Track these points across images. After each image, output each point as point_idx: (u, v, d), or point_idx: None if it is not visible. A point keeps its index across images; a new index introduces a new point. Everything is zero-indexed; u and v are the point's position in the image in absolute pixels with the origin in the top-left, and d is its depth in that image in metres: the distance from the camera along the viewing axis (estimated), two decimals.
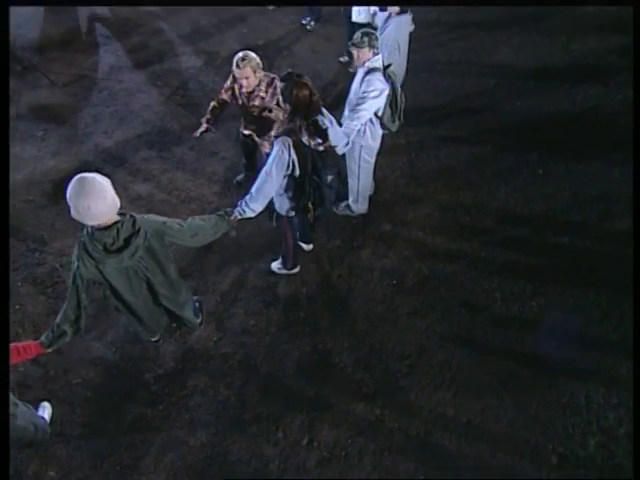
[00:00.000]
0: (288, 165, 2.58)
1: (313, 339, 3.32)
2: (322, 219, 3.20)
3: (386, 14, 4.15)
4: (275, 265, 3.63)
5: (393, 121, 3.35)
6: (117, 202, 2.02)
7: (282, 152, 2.52)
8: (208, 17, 6.35)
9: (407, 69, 4.47)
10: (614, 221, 3.92)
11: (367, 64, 3.12)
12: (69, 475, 2.74)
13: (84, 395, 3.06)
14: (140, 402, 3.02)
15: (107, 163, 4.39)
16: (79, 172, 2.01)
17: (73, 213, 1.94)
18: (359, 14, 4.66)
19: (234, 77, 3.31)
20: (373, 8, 4.49)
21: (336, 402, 3.02)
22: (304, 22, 6.13)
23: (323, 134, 2.61)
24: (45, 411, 2.90)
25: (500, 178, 4.32)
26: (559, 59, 5.54)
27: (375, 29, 3.84)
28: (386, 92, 3.14)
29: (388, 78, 3.14)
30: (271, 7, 6.45)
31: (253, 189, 2.62)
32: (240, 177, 4.24)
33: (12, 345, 2.16)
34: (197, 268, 3.72)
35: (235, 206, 2.64)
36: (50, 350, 2.27)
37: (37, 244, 3.85)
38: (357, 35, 3.08)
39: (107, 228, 2.03)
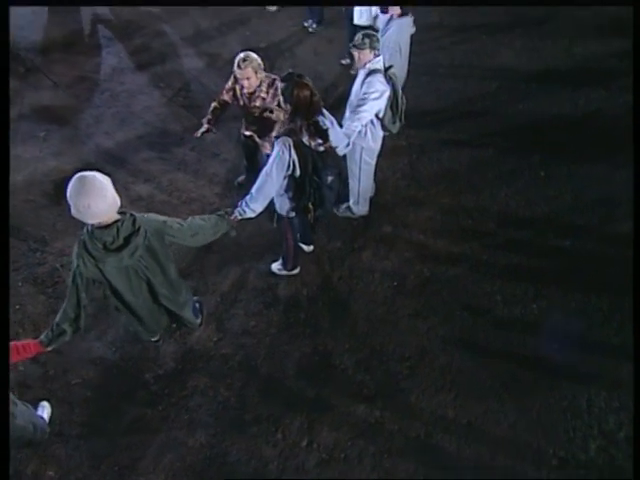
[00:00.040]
0: (288, 165, 2.58)
1: (313, 340, 3.31)
2: (322, 220, 3.20)
3: (388, 16, 4.16)
4: (275, 266, 3.63)
5: (394, 122, 3.36)
6: (117, 201, 2.02)
7: (282, 152, 2.52)
8: (210, 19, 6.37)
9: (408, 71, 4.47)
10: (616, 224, 3.91)
11: (368, 66, 3.12)
12: (68, 475, 2.74)
13: (83, 395, 3.05)
14: (139, 402, 3.02)
15: (108, 164, 4.39)
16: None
17: (73, 211, 1.94)
18: (361, 16, 4.66)
19: (235, 78, 3.32)
20: (375, 10, 4.50)
21: (336, 404, 3.01)
22: (306, 24, 6.14)
23: (324, 135, 2.61)
24: (44, 411, 2.89)
25: (502, 181, 4.31)
26: (561, 62, 5.54)
27: (377, 31, 3.84)
28: (387, 94, 3.14)
29: (389, 80, 3.14)
30: (273, 8, 6.47)
31: (253, 189, 2.62)
32: (241, 178, 4.25)
33: (12, 344, 2.16)
34: (197, 268, 3.71)
35: (235, 206, 2.64)
36: (49, 349, 2.27)
37: (38, 244, 3.85)
38: (358, 36, 3.09)
39: (107, 227, 2.03)
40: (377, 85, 3.06)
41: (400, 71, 3.96)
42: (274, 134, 2.95)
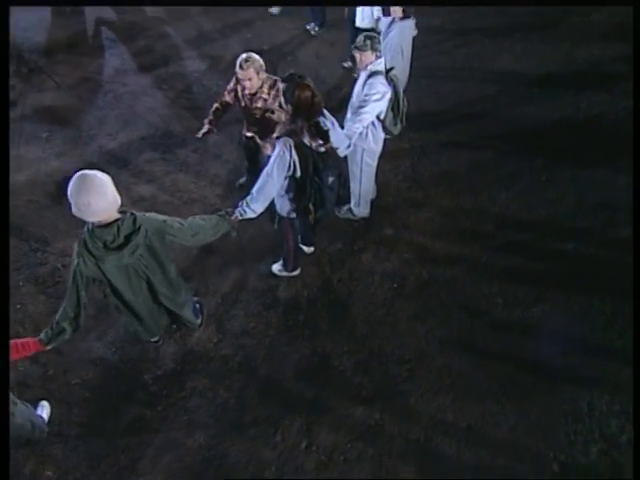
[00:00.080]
0: (289, 166, 2.58)
1: (313, 342, 3.31)
2: (323, 221, 3.20)
3: (389, 19, 4.17)
4: (276, 267, 3.63)
5: (395, 124, 3.36)
6: (118, 199, 2.02)
7: (283, 153, 2.53)
8: (213, 22, 6.40)
9: (410, 74, 4.48)
10: (619, 228, 3.90)
11: (369, 67, 3.13)
12: (66, 475, 2.73)
13: (83, 395, 3.05)
14: (138, 403, 3.01)
15: (111, 164, 4.41)
16: None
17: (74, 210, 1.94)
18: (363, 19, 4.68)
19: (237, 79, 3.33)
20: (377, 13, 4.51)
21: (335, 406, 3.01)
22: (308, 27, 6.16)
23: (324, 135, 2.61)
24: (43, 410, 2.89)
25: (501, 184, 4.31)
26: (563, 66, 5.54)
27: (378, 34, 3.85)
28: (388, 95, 3.15)
29: (390, 81, 3.15)
30: (275, 10, 6.49)
31: (254, 190, 2.62)
32: (242, 180, 4.25)
33: (11, 342, 2.16)
34: (198, 270, 3.72)
35: (236, 206, 2.64)
36: (49, 347, 2.26)
37: (39, 244, 3.86)
38: (360, 38, 3.10)
39: (108, 225, 2.04)
40: (378, 87, 3.07)
41: (402, 74, 3.97)
42: (275, 135, 2.95)
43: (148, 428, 2.91)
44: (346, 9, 5.05)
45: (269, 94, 3.27)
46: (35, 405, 2.87)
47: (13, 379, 3.03)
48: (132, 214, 2.11)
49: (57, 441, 2.85)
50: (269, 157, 2.73)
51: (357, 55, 3.15)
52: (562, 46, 5.80)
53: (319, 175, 2.71)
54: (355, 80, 3.38)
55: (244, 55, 3.15)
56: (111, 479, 2.73)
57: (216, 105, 3.51)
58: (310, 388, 3.09)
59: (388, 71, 3.17)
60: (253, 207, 2.62)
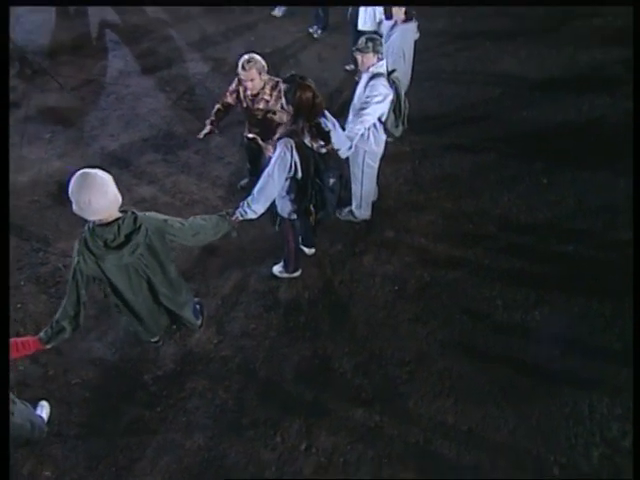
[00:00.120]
0: (290, 167, 2.58)
1: (313, 344, 3.30)
2: (324, 223, 3.20)
3: (391, 22, 4.19)
4: (277, 268, 3.63)
5: (397, 126, 3.37)
6: (118, 198, 2.03)
7: (284, 153, 2.53)
8: (216, 25, 6.43)
9: (412, 77, 4.49)
10: (619, 230, 3.90)
11: (371, 69, 3.14)
12: (64, 475, 2.72)
13: (82, 395, 3.05)
14: (138, 403, 3.01)
15: (112, 165, 4.42)
16: None
17: (75, 208, 1.95)
18: (365, 23, 4.70)
19: (239, 80, 3.34)
20: (379, 16, 4.53)
21: (335, 408, 3.00)
22: (311, 30, 6.19)
23: (326, 136, 2.61)
24: (43, 410, 2.89)
25: (503, 186, 4.31)
26: (565, 70, 5.55)
27: (381, 37, 3.86)
28: (390, 97, 3.15)
29: (392, 83, 3.15)
30: (278, 13, 6.52)
31: (255, 190, 2.62)
32: (244, 181, 4.26)
33: (11, 340, 2.15)
34: (199, 271, 3.72)
35: (237, 207, 2.64)
36: (49, 346, 2.26)
37: (41, 244, 3.87)
38: (361, 40, 3.10)
39: (108, 224, 2.04)
40: (380, 88, 3.07)
41: (404, 77, 3.97)
42: (277, 136, 2.96)
43: (147, 429, 2.90)
44: (348, 12, 5.07)
45: (271, 95, 3.28)
46: (34, 405, 2.87)
47: (13, 379, 3.03)
48: (133, 213, 2.11)
49: (56, 441, 2.84)
50: (271, 158, 2.73)
51: (359, 57, 3.16)
52: (564, 50, 5.81)
53: (320, 176, 2.71)
54: (357, 83, 3.39)
55: (246, 56, 3.16)
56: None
57: (218, 106, 3.52)
58: (310, 390, 3.08)
59: (390, 73, 3.17)
60: (254, 208, 2.62)
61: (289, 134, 2.56)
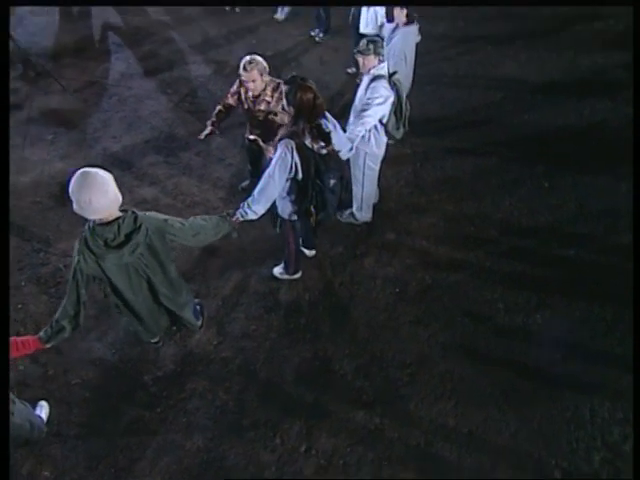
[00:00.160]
0: (291, 168, 2.58)
1: (314, 345, 3.29)
2: (325, 224, 3.20)
3: (393, 25, 4.21)
4: (277, 270, 3.63)
5: (398, 128, 3.37)
6: (119, 197, 2.03)
7: (285, 154, 2.53)
8: (218, 28, 6.47)
9: (413, 80, 4.50)
10: (620, 235, 3.89)
11: (372, 71, 3.14)
12: (63, 476, 2.71)
13: (82, 395, 3.04)
14: (138, 404, 3.00)
15: (114, 167, 4.43)
16: None
17: (75, 207, 1.95)
18: (367, 25, 4.73)
19: (240, 81, 3.35)
20: (380, 19, 4.55)
21: (335, 410, 2.98)
22: (313, 34, 6.22)
23: (326, 138, 2.61)
24: (42, 410, 2.88)
25: (505, 190, 4.31)
26: (566, 74, 5.57)
27: (382, 40, 3.87)
28: (391, 99, 3.16)
29: (393, 85, 3.16)
30: (280, 17, 6.55)
31: (255, 191, 2.62)
32: (245, 183, 4.27)
33: (11, 339, 2.15)
34: (200, 272, 3.72)
35: (237, 208, 2.64)
36: (48, 346, 2.26)
37: (42, 244, 3.87)
38: (363, 42, 3.11)
39: (108, 223, 2.04)
40: (381, 90, 3.08)
41: (405, 79, 3.98)
42: (277, 137, 2.96)
43: (147, 429, 2.90)
44: (350, 16, 5.10)
45: (272, 96, 3.29)
46: (34, 405, 2.86)
47: (13, 378, 3.03)
48: (133, 212, 2.11)
49: (56, 441, 2.84)
50: (271, 160, 2.74)
51: (360, 59, 3.17)
52: (565, 54, 5.83)
53: (321, 177, 2.71)
54: (358, 85, 3.40)
55: (248, 57, 3.17)
56: None
57: (219, 107, 3.53)
58: (310, 392, 3.07)
59: (391, 75, 3.18)
60: (254, 208, 2.62)
61: (290, 135, 2.56)
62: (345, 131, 3.03)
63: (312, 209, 2.83)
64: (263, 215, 2.73)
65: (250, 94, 3.33)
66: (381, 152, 3.51)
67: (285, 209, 2.92)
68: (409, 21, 4.08)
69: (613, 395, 2.97)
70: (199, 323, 3.03)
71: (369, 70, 3.16)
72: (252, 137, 3.61)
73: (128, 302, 2.38)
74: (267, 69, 3.23)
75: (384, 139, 3.43)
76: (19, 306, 3.45)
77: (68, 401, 3.00)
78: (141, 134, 4.91)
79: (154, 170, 4.54)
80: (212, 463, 2.78)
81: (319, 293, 3.59)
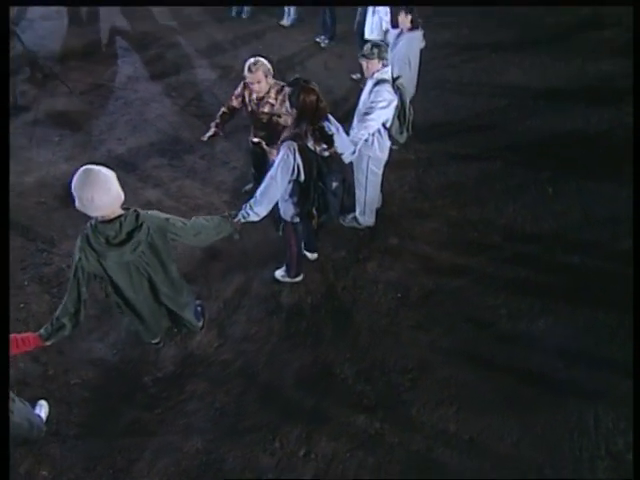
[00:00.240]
0: (293, 169, 2.59)
1: (315, 349, 3.27)
2: (327, 228, 3.20)
3: (397, 31, 4.23)
4: (279, 273, 3.62)
5: (401, 133, 3.37)
6: (121, 195, 2.04)
7: (287, 156, 2.53)
8: (224, 33, 6.53)
9: (417, 86, 4.51)
10: (625, 242, 3.86)
11: (376, 75, 3.15)
12: (61, 475, 2.69)
13: (82, 395, 3.03)
14: (137, 405, 2.99)
15: (119, 169, 4.34)
16: None
17: (77, 204, 1.96)
18: (372, 32, 4.75)
19: (245, 84, 3.37)
20: (385, 25, 4.57)
21: (335, 414, 2.96)
22: (318, 40, 6.26)
23: (329, 140, 2.62)
24: (42, 409, 2.88)
25: (508, 196, 4.30)
26: (572, 81, 5.57)
27: (387, 46, 3.90)
28: (394, 103, 3.17)
29: (397, 90, 3.17)
30: (285, 22, 6.60)
31: (258, 193, 2.63)
32: (249, 186, 4.27)
33: (11, 336, 2.16)
34: (202, 274, 3.72)
35: (239, 209, 2.64)
36: (49, 343, 2.26)
37: (46, 245, 3.89)
38: (367, 46, 3.13)
39: (110, 221, 2.05)
40: (385, 94, 3.09)
41: (409, 84, 4.00)
42: (280, 139, 2.97)
43: (146, 430, 2.88)
44: (355, 22, 5.13)
45: (276, 99, 3.30)
46: (33, 404, 2.85)
47: (13, 377, 3.02)
48: (135, 211, 2.12)
49: (54, 441, 2.82)
50: (274, 162, 2.74)
51: (364, 63, 3.18)
52: (572, 61, 5.84)
53: (323, 180, 2.71)
54: (362, 89, 3.41)
55: (252, 59, 3.19)
56: None
57: (223, 109, 3.55)
58: (311, 396, 3.04)
59: (395, 80, 3.19)
60: (256, 210, 2.62)
61: (292, 137, 2.57)
62: (348, 135, 3.03)
63: (314, 211, 2.83)
64: (265, 217, 2.73)
65: (254, 96, 3.35)
66: (384, 156, 3.52)
67: (287, 211, 2.92)
68: (413, 27, 4.11)
69: (618, 403, 2.93)
70: (200, 324, 3.02)
71: (373, 74, 3.17)
72: (256, 140, 3.62)
73: (129, 301, 2.38)
74: (271, 71, 3.25)
75: (387, 143, 3.43)
76: (21, 305, 3.45)
77: (68, 401, 2.99)
78: (146, 137, 4.94)
79: (158, 173, 4.56)
80: (211, 465, 2.75)
81: (321, 297, 3.58)
